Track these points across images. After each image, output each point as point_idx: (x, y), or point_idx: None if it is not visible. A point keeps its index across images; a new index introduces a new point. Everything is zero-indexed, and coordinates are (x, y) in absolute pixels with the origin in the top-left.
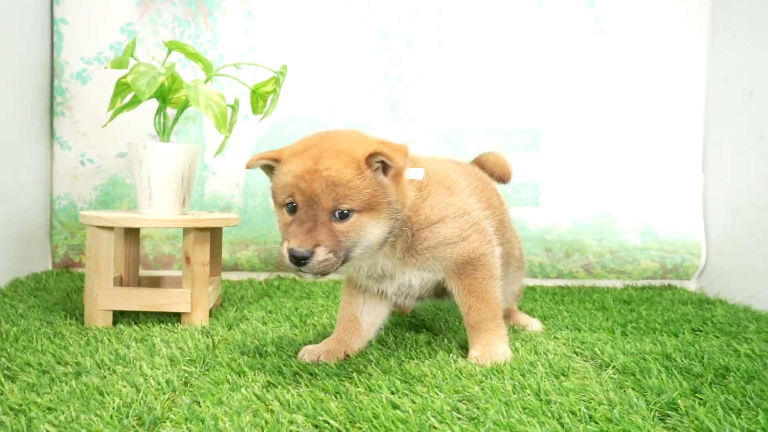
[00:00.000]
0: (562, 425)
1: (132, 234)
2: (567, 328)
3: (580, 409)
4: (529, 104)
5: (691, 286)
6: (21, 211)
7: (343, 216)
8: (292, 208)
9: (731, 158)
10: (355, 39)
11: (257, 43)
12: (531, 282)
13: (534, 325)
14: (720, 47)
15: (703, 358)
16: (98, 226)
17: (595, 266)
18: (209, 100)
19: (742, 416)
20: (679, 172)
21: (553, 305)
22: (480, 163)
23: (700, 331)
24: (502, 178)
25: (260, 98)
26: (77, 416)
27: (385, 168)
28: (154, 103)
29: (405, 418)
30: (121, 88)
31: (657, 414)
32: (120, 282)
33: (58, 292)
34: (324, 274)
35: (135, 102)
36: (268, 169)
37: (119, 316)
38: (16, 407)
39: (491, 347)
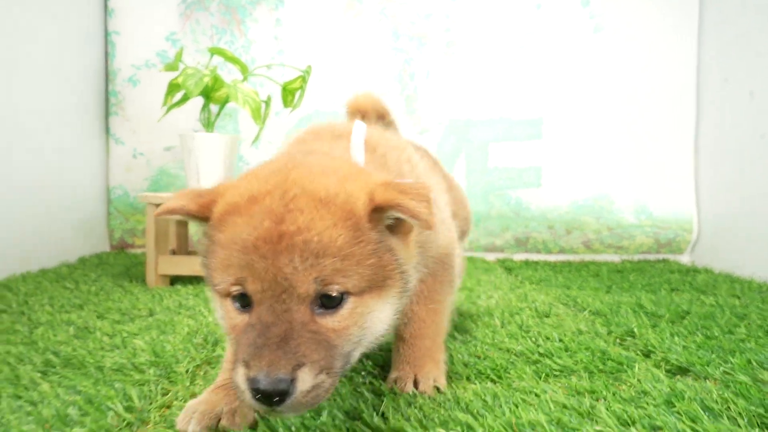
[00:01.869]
0: (536, 344)
1: None
2: (558, 287)
3: (552, 335)
4: (531, 96)
5: (684, 259)
6: (82, 200)
7: (333, 303)
8: (244, 302)
9: (723, 143)
10: (372, 41)
11: (285, 47)
12: (535, 257)
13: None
14: (721, 47)
15: (670, 305)
16: (156, 204)
17: (594, 242)
18: (246, 97)
19: (685, 338)
20: (672, 155)
21: (551, 273)
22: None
23: (678, 290)
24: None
25: (289, 94)
26: (158, 337)
27: (394, 224)
28: (199, 101)
29: None
30: (172, 88)
31: (617, 339)
32: (173, 254)
33: (119, 266)
34: (314, 405)
35: (184, 99)
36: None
37: (175, 282)
38: (110, 333)
39: (421, 368)
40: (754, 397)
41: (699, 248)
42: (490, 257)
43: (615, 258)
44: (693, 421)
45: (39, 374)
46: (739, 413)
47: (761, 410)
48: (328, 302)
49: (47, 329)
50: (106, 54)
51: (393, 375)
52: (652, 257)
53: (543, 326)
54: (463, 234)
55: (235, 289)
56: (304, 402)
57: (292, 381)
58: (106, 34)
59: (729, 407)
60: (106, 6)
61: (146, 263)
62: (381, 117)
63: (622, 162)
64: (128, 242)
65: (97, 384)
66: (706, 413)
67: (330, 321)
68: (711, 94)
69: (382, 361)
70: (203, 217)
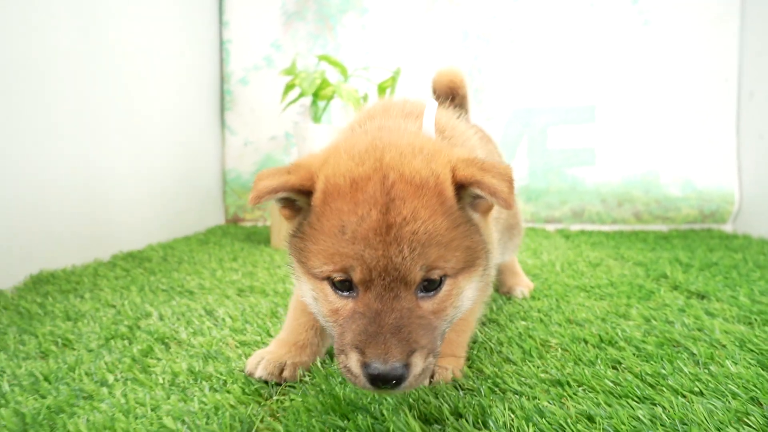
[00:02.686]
0: (588, 280)
1: None
2: (609, 248)
3: (602, 276)
4: (586, 85)
5: (727, 228)
6: (204, 181)
7: (434, 287)
8: (346, 287)
9: (763, 123)
10: (445, 41)
11: (370, 48)
12: (589, 227)
13: (519, 291)
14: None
15: (703, 259)
16: None
17: (643, 213)
18: (349, 94)
19: (707, 278)
20: (714, 134)
21: (604, 239)
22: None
23: (712, 250)
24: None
25: (382, 91)
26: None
27: (475, 201)
28: (297, 99)
29: None
30: (288, 88)
31: (653, 279)
32: None
33: (240, 235)
34: (419, 385)
35: (300, 96)
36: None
37: None
38: (271, 274)
39: (439, 360)
40: (745, 307)
41: (741, 218)
42: (550, 228)
43: (663, 227)
44: (696, 318)
45: (238, 296)
46: (732, 315)
47: (748, 313)
48: (429, 286)
49: (223, 272)
50: (221, 59)
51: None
52: (697, 227)
53: (594, 271)
54: (515, 245)
55: (340, 276)
56: (414, 384)
57: (406, 366)
58: (221, 42)
59: (726, 313)
60: (221, 19)
61: (271, 228)
62: (454, 93)
63: (668, 141)
64: (240, 217)
65: (285, 299)
66: (707, 316)
67: (431, 304)
68: (751, 79)
69: None
70: (305, 191)
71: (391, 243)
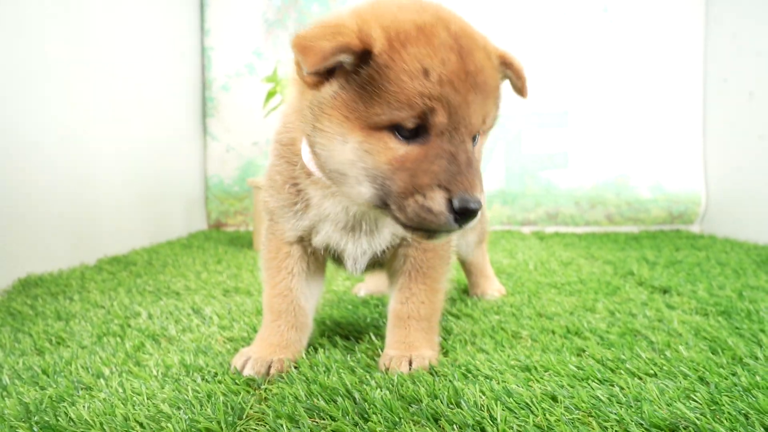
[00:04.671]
0: (560, 278)
1: None
2: (581, 248)
3: (572, 274)
4: (558, 91)
5: (695, 228)
6: (186, 187)
7: (474, 140)
8: (411, 132)
9: (727, 129)
10: None
11: None
12: (563, 229)
13: (491, 295)
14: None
15: (668, 257)
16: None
17: (615, 215)
18: None
19: (671, 274)
20: (682, 138)
21: (577, 240)
22: None
23: (678, 249)
24: None
25: None
26: None
27: None
28: (279, 105)
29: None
30: (269, 95)
31: (620, 276)
32: None
33: (223, 239)
34: None
35: (282, 102)
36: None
37: None
38: (255, 276)
39: (416, 349)
40: (703, 300)
41: (707, 219)
42: (526, 230)
43: (634, 229)
44: (657, 311)
45: (224, 296)
46: (691, 308)
47: (705, 305)
48: (473, 138)
49: (208, 275)
50: (203, 66)
51: (389, 354)
52: (666, 227)
53: (565, 270)
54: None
55: (413, 122)
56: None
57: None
58: (203, 49)
59: (685, 305)
60: (202, 27)
61: (253, 233)
62: None
63: (638, 145)
64: (223, 222)
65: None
66: (668, 308)
67: (476, 152)
68: (716, 87)
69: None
70: (362, 53)
71: (470, 89)
